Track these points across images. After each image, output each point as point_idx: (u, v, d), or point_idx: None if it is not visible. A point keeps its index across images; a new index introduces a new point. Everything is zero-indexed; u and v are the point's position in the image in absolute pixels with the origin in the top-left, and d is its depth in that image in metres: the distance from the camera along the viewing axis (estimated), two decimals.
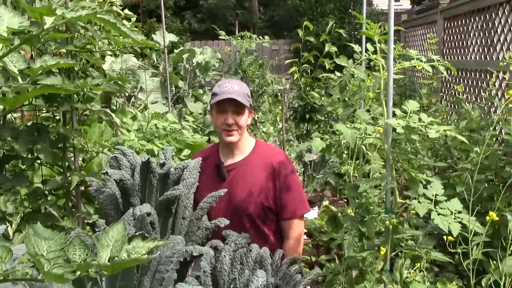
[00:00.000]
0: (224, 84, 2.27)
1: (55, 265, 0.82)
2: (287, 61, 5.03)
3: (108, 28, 3.18)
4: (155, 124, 3.54)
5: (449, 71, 2.06)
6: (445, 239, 1.76)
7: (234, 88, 2.23)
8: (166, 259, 1.41)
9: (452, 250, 1.78)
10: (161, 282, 1.39)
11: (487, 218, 1.73)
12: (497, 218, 1.74)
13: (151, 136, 3.38)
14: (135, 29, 4.11)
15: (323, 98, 4.80)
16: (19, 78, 1.41)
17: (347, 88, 2.17)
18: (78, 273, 0.84)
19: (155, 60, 7.17)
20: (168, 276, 1.40)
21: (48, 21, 1.02)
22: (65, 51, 2.36)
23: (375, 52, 1.98)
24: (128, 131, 3.25)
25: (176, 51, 7.28)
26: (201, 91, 6.77)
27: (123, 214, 1.64)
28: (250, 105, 2.31)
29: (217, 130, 2.33)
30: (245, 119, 2.27)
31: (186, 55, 6.86)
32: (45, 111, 2.74)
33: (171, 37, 7.49)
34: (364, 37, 2.50)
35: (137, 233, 1.36)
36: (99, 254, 0.89)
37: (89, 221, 1.64)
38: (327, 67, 3.92)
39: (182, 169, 1.80)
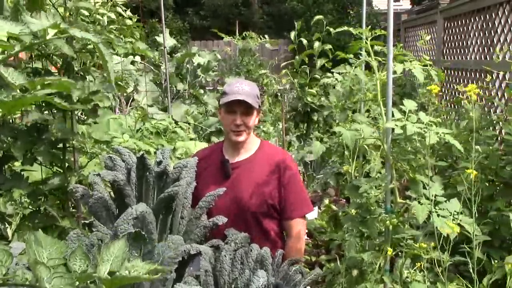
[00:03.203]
0: (234, 84, 2.25)
1: (55, 274, 0.82)
2: (283, 63, 5.03)
3: (109, 29, 3.19)
4: (145, 126, 3.54)
5: (447, 71, 2.07)
6: (439, 241, 1.76)
7: (244, 89, 2.21)
8: (169, 260, 1.41)
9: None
10: (164, 283, 1.39)
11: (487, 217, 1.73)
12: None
13: (141, 137, 3.37)
14: (137, 29, 4.11)
15: (322, 98, 4.81)
16: (18, 91, 1.42)
17: (341, 90, 2.18)
18: (77, 283, 0.84)
19: (157, 59, 7.18)
20: (171, 276, 1.40)
21: (51, 32, 1.03)
22: (64, 52, 2.35)
23: (369, 55, 1.98)
24: (117, 133, 3.24)
25: (176, 54, 7.30)
26: (201, 91, 6.78)
27: (116, 215, 1.64)
28: (259, 106, 2.30)
29: (225, 129, 2.32)
30: (253, 119, 2.27)
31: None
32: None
33: (171, 42, 7.48)
34: (364, 37, 2.51)
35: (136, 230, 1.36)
36: (98, 267, 0.89)
37: (86, 222, 1.63)
38: (317, 65, 3.92)
39: (181, 168, 1.79)
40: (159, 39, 7.09)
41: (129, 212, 1.53)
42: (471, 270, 1.75)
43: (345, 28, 2.10)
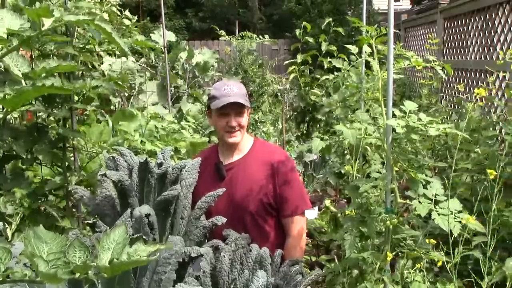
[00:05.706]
0: (222, 87, 2.26)
1: (53, 266, 0.82)
2: (286, 62, 5.02)
3: None
4: (154, 125, 3.54)
5: (447, 72, 2.06)
6: (440, 242, 1.76)
7: (233, 90, 2.22)
8: (164, 260, 1.40)
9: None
10: (159, 283, 1.39)
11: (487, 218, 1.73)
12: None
13: (150, 137, 3.38)
14: (135, 29, 4.13)
15: (323, 98, 4.80)
16: (23, 81, 1.42)
17: (342, 89, 2.17)
18: (77, 274, 0.83)
19: (153, 60, 7.16)
20: (167, 277, 1.39)
21: (47, 22, 1.03)
22: (65, 52, 2.35)
23: (371, 54, 1.98)
24: (126, 132, 3.24)
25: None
26: (200, 91, 6.77)
27: (120, 214, 1.64)
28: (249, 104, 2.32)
29: (219, 132, 2.32)
30: (246, 119, 2.29)
31: (184, 54, 6.84)
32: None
33: (170, 37, 7.43)
34: (364, 33, 2.51)
35: (135, 235, 1.36)
36: (99, 256, 0.88)
37: (89, 222, 1.64)
38: (325, 66, 3.93)
39: (179, 169, 1.79)
40: (154, 36, 7.05)
41: (128, 214, 1.54)
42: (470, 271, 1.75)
43: (354, 22, 2.10)
